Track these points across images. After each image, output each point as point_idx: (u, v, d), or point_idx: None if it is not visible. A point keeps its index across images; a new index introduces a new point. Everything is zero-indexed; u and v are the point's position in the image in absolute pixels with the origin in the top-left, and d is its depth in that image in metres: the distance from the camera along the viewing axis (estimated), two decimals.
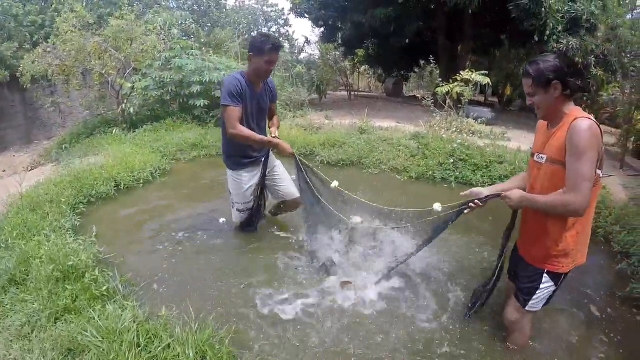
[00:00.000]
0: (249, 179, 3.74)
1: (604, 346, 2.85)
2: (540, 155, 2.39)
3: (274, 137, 3.55)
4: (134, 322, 2.39)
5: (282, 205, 4.19)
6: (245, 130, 3.35)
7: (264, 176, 3.81)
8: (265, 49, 3.26)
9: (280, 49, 3.50)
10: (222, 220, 4.41)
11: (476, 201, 2.57)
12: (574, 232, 2.32)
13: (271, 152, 3.87)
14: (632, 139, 8.15)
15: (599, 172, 2.19)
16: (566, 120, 2.22)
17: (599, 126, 2.10)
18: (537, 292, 2.45)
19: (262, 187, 3.86)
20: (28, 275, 2.94)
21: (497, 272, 2.74)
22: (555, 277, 2.41)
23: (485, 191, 2.58)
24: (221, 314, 2.78)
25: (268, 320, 2.84)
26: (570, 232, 2.31)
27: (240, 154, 3.66)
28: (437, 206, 2.87)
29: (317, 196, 3.48)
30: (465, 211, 2.64)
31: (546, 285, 2.43)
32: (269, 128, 3.86)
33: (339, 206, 3.48)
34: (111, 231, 4.13)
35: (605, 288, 3.65)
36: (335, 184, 3.40)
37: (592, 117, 2.16)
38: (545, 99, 2.27)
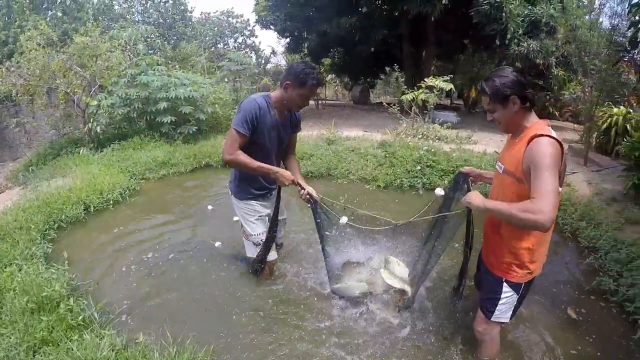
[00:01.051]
0: (260, 207, 3.41)
1: (575, 338, 3.03)
2: (499, 165, 2.40)
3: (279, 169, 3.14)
4: (113, 350, 2.42)
5: None
6: (242, 157, 2.96)
7: (277, 216, 3.42)
8: (307, 83, 2.91)
9: (321, 86, 3.28)
10: (217, 244, 4.34)
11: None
12: (528, 244, 2.29)
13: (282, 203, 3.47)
14: (595, 135, 8.47)
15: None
16: (526, 134, 2.20)
17: (559, 142, 2.07)
18: (500, 302, 2.42)
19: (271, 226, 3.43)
20: (2, 308, 2.92)
21: (463, 267, 2.88)
22: (515, 286, 2.39)
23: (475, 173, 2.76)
24: (198, 336, 2.80)
25: (246, 339, 2.89)
26: (522, 245, 2.30)
27: (252, 184, 3.34)
28: (439, 190, 2.90)
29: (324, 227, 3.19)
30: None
31: (507, 294, 2.40)
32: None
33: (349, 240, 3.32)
34: (83, 257, 4.10)
35: (574, 282, 3.84)
36: (344, 219, 3.07)
37: (552, 133, 2.11)
38: (504, 114, 2.26)
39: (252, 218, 3.38)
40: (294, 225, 4.62)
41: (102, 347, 2.41)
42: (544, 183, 1.96)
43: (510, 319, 2.53)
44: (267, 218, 3.46)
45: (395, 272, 3.15)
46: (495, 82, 2.21)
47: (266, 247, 3.43)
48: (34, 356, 2.48)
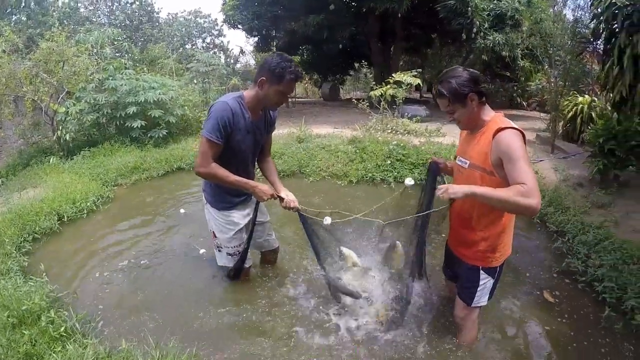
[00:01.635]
0: (239, 218, 3.20)
1: (548, 317, 3.22)
2: (463, 160, 2.44)
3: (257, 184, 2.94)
4: (97, 358, 2.47)
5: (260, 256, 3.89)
6: (218, 170, 2.78)
7: (254, 220, 3.25)
8: (284, 78, 2.65)
9: (300, 80, 2.93)
10: (202, 251, 4.26)
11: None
12: (499, 229, 2.38)
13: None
14: (561, 123, 8.79)
15: None
16: (488, 128, 2.26)
17: (521, 132, 2.15)
18: (478, 289, 2.53)
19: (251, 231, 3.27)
20: None
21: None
22: (490, 271, 2.50)
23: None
24: (180, 339, 2.85)
25: (227, 341, 2.96)
26: (494, 231, 2.39)
27: (229, 192, 3.09)
28: (409, 180, 2.89)
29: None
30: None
31: (484, 280, 2.51)
32: (266, 177, 3.27)
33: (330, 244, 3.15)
34: (61, 267, 4.10)
35: (543, 265, 4.04)
36: (327, 220, 2.96)
37: (513, 124, 2.19)
38: (464, 113, 2.28)
39: (230, 232, 3.19)
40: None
41: (86, 356, 2.45)
42: (526, 171, 2.01)
43: (488, 300, 2.63)
44: (244, 229, 3.26)
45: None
46: (451, 84, 2.23)
47: (242, 258, 3.33)
48: None
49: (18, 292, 3.16)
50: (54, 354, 2.50)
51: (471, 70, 2.32)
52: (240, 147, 2.91)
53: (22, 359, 2.55)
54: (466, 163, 2.41)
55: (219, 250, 3.32)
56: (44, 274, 3.66)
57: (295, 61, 2.78)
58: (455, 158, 2.57)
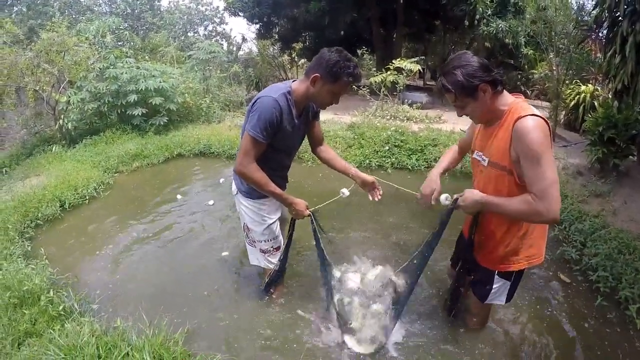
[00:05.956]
0: (272, 210, 2.95)
1: (542, 304, 3.24)
2: (482, 156, 2.17)
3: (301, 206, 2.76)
4: (93, 335, 2.55)
5: None
6: (257, 173, 2.55)
7: (291, 235, 3.00)
8: (342, 77, 2.41)
9: (358, 81, 2.57)
10: (224, 253, 4.13)
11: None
12: (520, 232, 2.15)
13: None
14: (563, 112, 8.82)
15: None
16: (507, 118, 1.96)
17: (545, 120, 1.86)
18: (492, 291, 2.36)
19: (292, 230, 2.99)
20: None
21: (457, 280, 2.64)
22: (507, 275, 2.29)
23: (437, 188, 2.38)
24: (173, 317, 2.93)
25: (220, 320, 3.08)
26: (516, 233, 2.16)
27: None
28: (344, 190, 2.88)
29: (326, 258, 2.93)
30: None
31: (498, 284, 2.33)
32: (336, 168, 3.12)
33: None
34: (61, 252, 4.23)
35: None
36: (345, 192, 2.97)
37: (535, 111, 1.89)
38: (477, 107, 1.99)
39: (263, 225, 2.93)
40: None
41: (82, 334, 2.54)
42: (544, 177, 1.79)
43: (507, 301, 2.45)
44: (275, 225, 3.01)
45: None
46: (457, 76, 1.91)
47: (281, 269, 3.13)
48: (19, 348, 2.60)
49: (20, 274, 3.27)
50: (52, 332, 2.60)
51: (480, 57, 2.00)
52: (285, 144, 2.74)
53: (23, 337, 2.67)
54: (485, 160, 2.14)
55: (253, 246, 3.05)
56: (45, 257, 3.78)
57: (355, 60, 2.51)
58: (472, 152, 2.31)
